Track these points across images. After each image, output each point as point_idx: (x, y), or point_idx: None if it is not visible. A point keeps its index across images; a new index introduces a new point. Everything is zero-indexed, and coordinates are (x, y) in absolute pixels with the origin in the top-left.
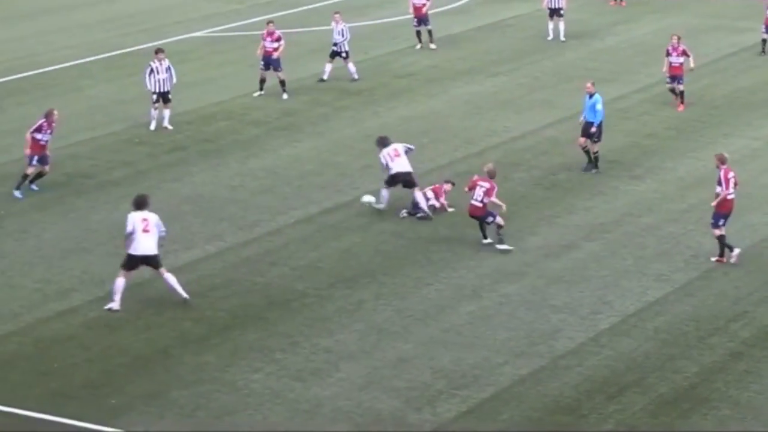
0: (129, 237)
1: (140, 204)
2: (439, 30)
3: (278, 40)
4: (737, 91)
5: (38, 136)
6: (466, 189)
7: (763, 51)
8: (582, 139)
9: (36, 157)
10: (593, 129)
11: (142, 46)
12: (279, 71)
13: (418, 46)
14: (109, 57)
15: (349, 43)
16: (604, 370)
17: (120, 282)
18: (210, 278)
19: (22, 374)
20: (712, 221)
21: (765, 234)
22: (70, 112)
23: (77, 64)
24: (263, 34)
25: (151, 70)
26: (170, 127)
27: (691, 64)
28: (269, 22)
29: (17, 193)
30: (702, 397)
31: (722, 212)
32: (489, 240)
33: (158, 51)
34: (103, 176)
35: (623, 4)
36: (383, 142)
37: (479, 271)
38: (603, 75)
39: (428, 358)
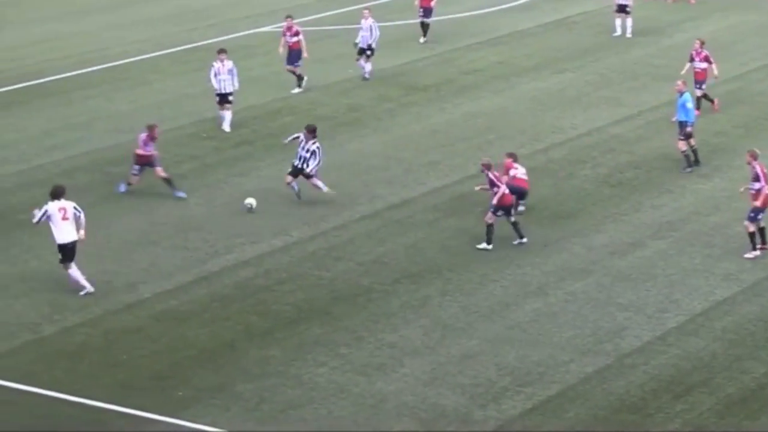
0: (38, 224)
1: (57, 194)
2: (505, 26)
3: (296, 34)
4: None
5: (141, 151)
6: (504, 174)
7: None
8: (681, 143)
9: (138, 167)
10: (688, 128)
11: (209, 41)
12: (296, 65)
13: (422, 40)
14: (177, 51)
15: (376, 41)
16: (671, 369)
17: (74, 271)
18: (276, 272)
19: (90, 365)
20: (752, 215)
21: None
22: (138, 105)
23: (146, 59)
24: (283, 29)
25: (215, 72)
26: (228, 129)
27: (715, 72)
28: (287, 16)
29: (122, 187)
30: None
31: (762, 207)
32: (525, 239)
33: (220, 51)
34: (170, 170)
35: (692, 1)
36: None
37: (544, 268)
38: (670, 72)
39: (493, 355)
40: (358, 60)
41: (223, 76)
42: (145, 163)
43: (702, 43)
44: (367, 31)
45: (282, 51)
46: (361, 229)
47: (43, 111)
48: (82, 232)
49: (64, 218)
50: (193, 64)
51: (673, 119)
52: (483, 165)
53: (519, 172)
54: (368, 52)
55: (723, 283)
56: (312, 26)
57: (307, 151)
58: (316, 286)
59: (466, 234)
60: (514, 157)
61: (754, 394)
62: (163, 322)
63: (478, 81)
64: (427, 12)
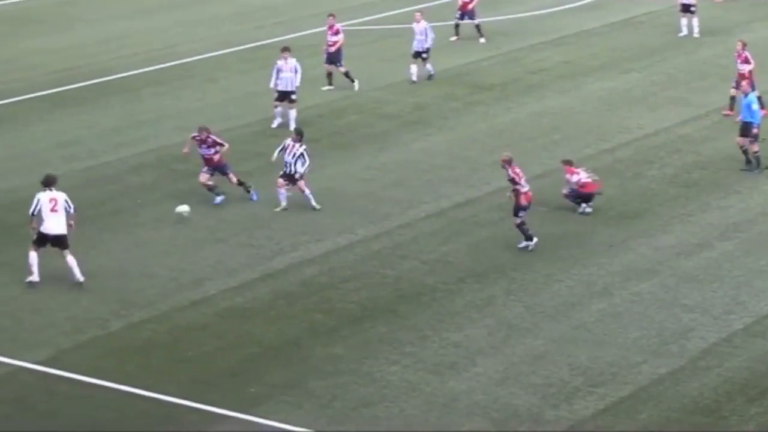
0: (33, 217)
1: (48, 182)
2: (571, 26)
3: (337, 33)
4: None
5: (202, 151)
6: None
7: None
8: (740, 139)
9: (207, 168)
10: (755, 129)
11: (275, 39)
12: (339, 66)
13: (454, 38)
14: (243, 49)
15: (432, 41)
16: (745, 372)
17: (32, 255)
18: (340, 270)
19: (159, 361)
20: None
21: None
22: (205, 103)
23: (213, 56)
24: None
25: (278, 69)
26: (294, 126)
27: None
28: (330, 15)
29: (217, 200)
30: None
31: None
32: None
33: (284, 49)
34: (236, 167)
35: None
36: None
37: (610, 268)
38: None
39: (565, 355)
40: (411, 65)
41: (287, 73)
42: (213, 164)
43: (744, 45)
44: (422, 35)
45: (324, 49)
46: (425, 228)
47: (112, 108)
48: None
49: (53, 210)
50: (259, 62)
51: (737, 119)
52: (503, 160)
53: (582, 176)
54: (424, 55)
55: None
56: (376, 25)
57: (293, 155)
58: (381, 285)
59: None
60: (569, 163)
61: None
62: (228, 319)
63: (543, 80)
64: (469, 14)
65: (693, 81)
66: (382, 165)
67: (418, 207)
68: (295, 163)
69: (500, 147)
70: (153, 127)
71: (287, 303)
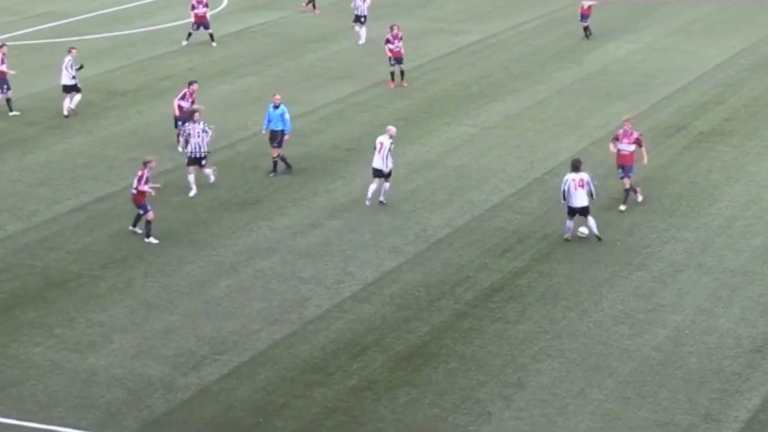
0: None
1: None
2: (194, 36)
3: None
4: (455, 85)
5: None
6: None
7: (586, 36)
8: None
9: None
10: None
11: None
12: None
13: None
14: None
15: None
16: (348, 333)
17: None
18: None
19: None
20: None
21: (482, 209)
22: None
23: None
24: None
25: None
26: None
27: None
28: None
29: None
30: (433, 352)
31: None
32: None
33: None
34: None
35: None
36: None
37: (235, 248)
38: (340, 74)
39: (193, 328)
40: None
41: None
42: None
43: (398, 27)
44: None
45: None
46: (69, 221)
47: None
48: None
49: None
50: None
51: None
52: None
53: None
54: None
55: (390, 255)
56: (20, 40)
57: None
58: (30, 275)
59: (160, 222)
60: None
61: (418, 351)
62: None
63: (173, 85)
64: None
65: (301, 82)
66: (27, 166)
67: (62, 203)
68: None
69: (135, 146)
70: None
71: None
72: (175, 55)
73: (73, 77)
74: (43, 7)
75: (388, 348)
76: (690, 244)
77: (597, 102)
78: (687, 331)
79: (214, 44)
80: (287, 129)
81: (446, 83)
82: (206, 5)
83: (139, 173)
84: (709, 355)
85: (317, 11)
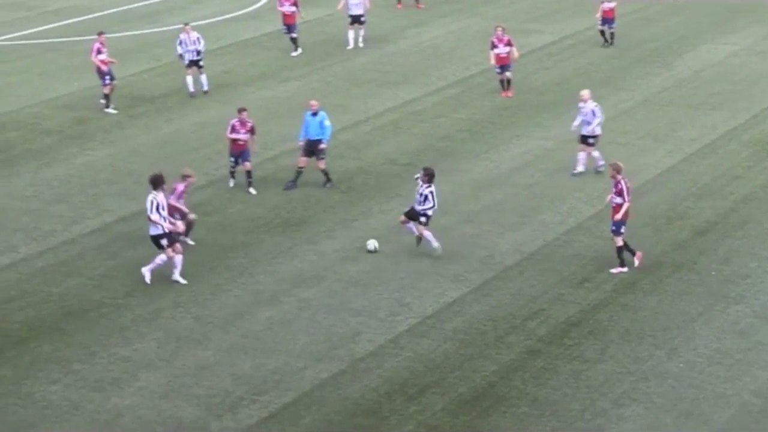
0: None
1: None
2: (228, 36)
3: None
4: (527, 92)
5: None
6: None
7: (606, 41)
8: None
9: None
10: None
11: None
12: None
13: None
14: None
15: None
16: (404, 371)
17: None
18: (3, 290)
19: None
20: (614, 229)
21: (557, 232)
22: None
23: None
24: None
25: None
26: None
27: (515, 54)
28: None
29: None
30: (501, 395)
31: (624, 220)
32: None
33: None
34: None
35: (420, 6)
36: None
37: (277, 276)
38: (396, 78)
39: (228, 365)
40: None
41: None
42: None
43: (503, 29)
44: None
45: None
46: (90, 243)
47: None
48: None
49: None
50: None
51: None
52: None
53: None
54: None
55: (452, 284)
56: (29, 40)
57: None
58: (46, 303)
59: (201, 245)
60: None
61: (485, 393)
62: None
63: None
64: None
65: (351, 88)
66: (44, 181)
67: (82, 222)
68: None
69: (163, 159)
70: None
71: None
72: (208, 55)
73: (198, 52)
74: (61, 1)
75: (449, 389)
76: None
77: (689, 112)
78: None
79: (294, 53)
80: (325, 137)
81: (517, 90)
82: (294, 3)
83: (176, 187)
84: None
85: (420, 6)
